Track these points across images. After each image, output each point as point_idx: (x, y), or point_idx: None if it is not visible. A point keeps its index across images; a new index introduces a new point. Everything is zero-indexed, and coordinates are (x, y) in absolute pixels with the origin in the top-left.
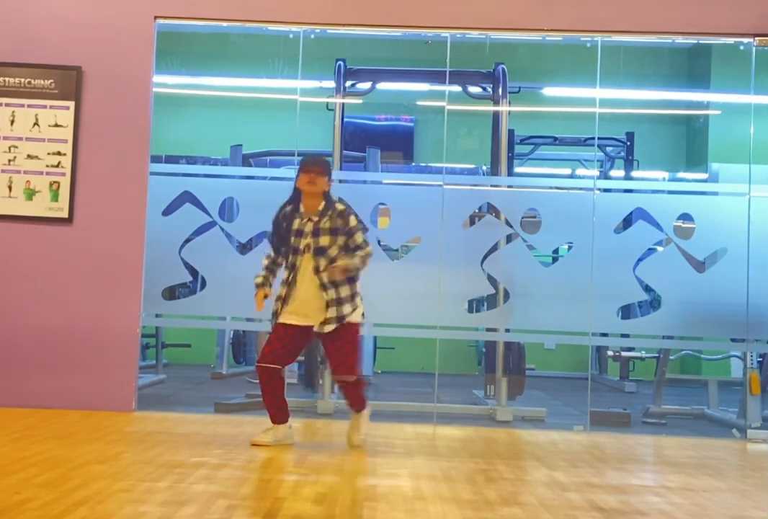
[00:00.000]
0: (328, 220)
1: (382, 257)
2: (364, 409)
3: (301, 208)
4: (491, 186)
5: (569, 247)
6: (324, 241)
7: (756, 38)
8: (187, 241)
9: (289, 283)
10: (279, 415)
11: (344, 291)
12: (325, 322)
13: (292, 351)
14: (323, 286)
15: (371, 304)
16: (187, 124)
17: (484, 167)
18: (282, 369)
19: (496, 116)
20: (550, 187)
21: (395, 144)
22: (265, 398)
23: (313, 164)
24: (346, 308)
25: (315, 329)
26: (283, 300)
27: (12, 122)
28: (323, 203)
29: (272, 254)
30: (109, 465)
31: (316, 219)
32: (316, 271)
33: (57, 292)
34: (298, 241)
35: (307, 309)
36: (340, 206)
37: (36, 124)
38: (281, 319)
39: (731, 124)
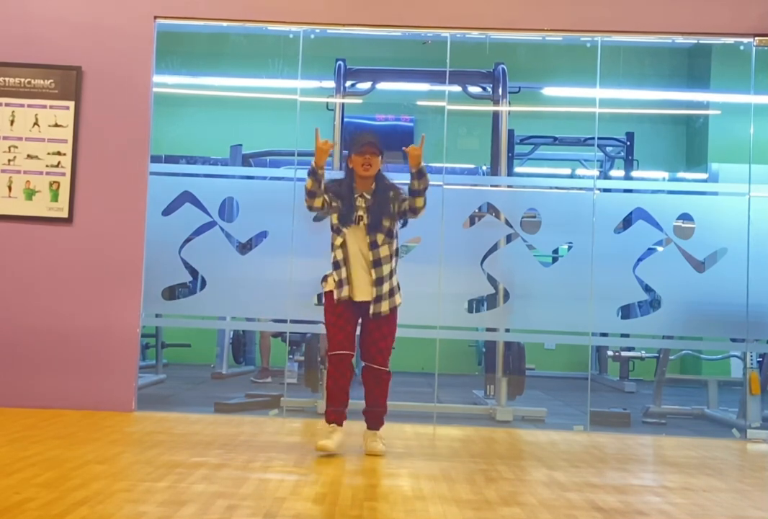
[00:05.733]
0: (380, 199)
1: None
2: (381, 423)
3: (354, 185)
4: (491, 186)
5: (569, 247)
6: (376, 219)
7: (756, 38)
8: (187, 241)
9: (344, 246)
10: (342, 414)
11: (388, 270)
12: (379, 299)
13: (354, 329)
14: (377, 262)
15: None
16: (187, 124)
17: (484, 167)
18: (353, 355)
19: (496, 116)
20: (550, 187)
21: (395, 144)
22: (336, 390)
23: (369, 144)
24: (395, 288)
25: (371, 310)
26: (345, 261)
27: (12, 122)
28: (374, 184)
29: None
30: (109, 465)
31: (368, 197)
32: (374, 246)
33: (57, 292)
34: (350, 211)
35: (363, 282)
36: (388, 182)
37: (36, 124)
38: (344, 293)
39: (731, 124)
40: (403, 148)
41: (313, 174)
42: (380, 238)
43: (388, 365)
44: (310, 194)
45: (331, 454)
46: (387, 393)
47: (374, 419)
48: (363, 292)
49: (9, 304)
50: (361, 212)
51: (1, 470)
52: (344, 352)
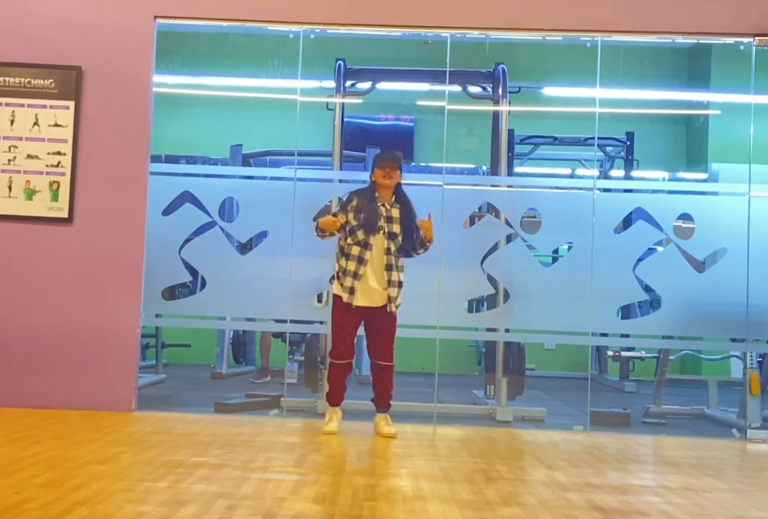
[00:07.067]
0: (398, 210)
1: None
2: (389, 406)
3: (376, 195)
4: (491, 186)
5: (569, 247)
6: (395, 228)
7: (756, 38)
8: (187, 241)
9: (362, 260)
10: (341, 398)
11: (402, 276)
12: (391, 300)
13: (354, 336)
14: (390, 267)
15: None
16: (187, 124)
17: (484, 167)
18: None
19: (496, 116)
20: (550, 187)
21: (395, 144)
22: (336, 385)
23: (389, 160)
24: (398, 296)
25: (387, 309)
26: (355, 275)
27: (12, 122)
28: (394, 196)
29: None
30: (109, 465)
31: (389, 207)
32: (388, 252)
33: (57, 292)
34: (369, 223)
35: (375, 288)
36: (407, 199)
37: (36, 124)
38: (353, 301)
39: (731, 124)
40: (419, 221)
41: (316, 230)
42: (393, 247)
43: (393, 360)
44: (320, 237)
45: (332, 451)
46: (392, 380)
47: (384, 402)
48: (373, 299)
49: (9, 304)
50: (382, 221)
51: (1, 470)
52: (345, 361)
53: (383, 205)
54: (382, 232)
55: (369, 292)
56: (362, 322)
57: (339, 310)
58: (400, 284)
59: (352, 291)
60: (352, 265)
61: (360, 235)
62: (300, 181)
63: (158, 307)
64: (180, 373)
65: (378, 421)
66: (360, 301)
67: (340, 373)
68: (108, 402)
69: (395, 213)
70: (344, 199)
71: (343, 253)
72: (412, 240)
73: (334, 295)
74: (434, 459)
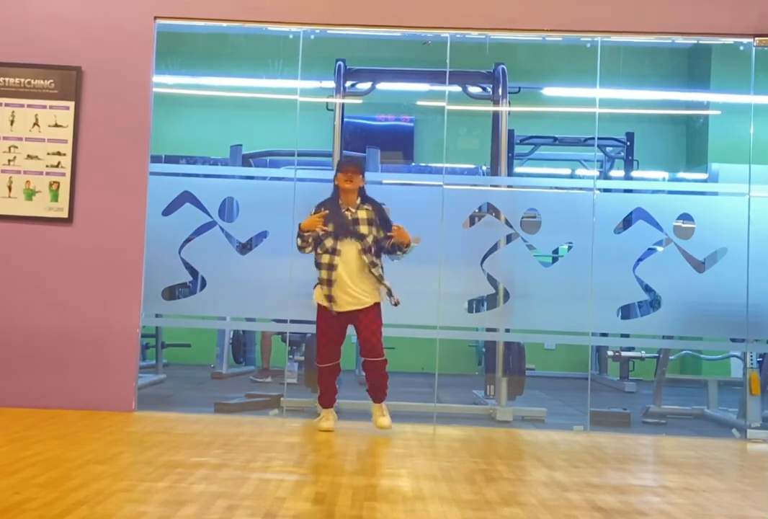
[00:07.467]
0: (365, 212)
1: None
2: (385, 397)
3: (340, 201)
4: (491, 186)
5: (569, 247)
6: (363, 229)
7: (756, 38)
8: (187, 241)
9: (332, 266)
10: (334, 399)
11: (381, 270)
12: (391, 293)
13: (341, 340)
14: (367, 267)
15: None
16: (187, 124)
17: (484, 167)
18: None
19: (496, 116)
20: (550, 187)
21: (395, 144)
22: (326, 388)
23: (349, 164)
24: (379, 289)
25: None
26: (328, 282)
27: (12, 122)
28: (359, 198)
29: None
30: (109, 465)
31: (353, 210)
32: (361, 252)
33: (57, 292)
34: (338, 228)
35: (351, 291)
36: (374, 201)
37: (36, 124)
38: (334, 307)
39: (731, 124)
40: (393, 227)
41: (300, 236)
42: (366, 245)
43: (384, 353)
44: (300, 249)
45: (332, 451)
46: (386, 373)
47: (379, 394)
48: (350, 303)
49: (9, 305)
50: (349, 226)
51: (1, 470)
52: (332, 364)
53: (347, 209)
54: (348, 236)
55: (349, 297)
56: (348, 325)
57: (320, 317)
58: (383, 278)
59: (330, 298)
60: (324, 274)
61: (328, 243)
62: (300, 181)
63: (158, 307)
64: (180, 373)
65: (374, 412)
66: (341, 306)
67: (327, 375)
68: (108, 402)
69: (361, 214)
70: (312, 211)
71: (316, 264)
72: (384, 240)
73: (317, 304)
74: (434, 459)
